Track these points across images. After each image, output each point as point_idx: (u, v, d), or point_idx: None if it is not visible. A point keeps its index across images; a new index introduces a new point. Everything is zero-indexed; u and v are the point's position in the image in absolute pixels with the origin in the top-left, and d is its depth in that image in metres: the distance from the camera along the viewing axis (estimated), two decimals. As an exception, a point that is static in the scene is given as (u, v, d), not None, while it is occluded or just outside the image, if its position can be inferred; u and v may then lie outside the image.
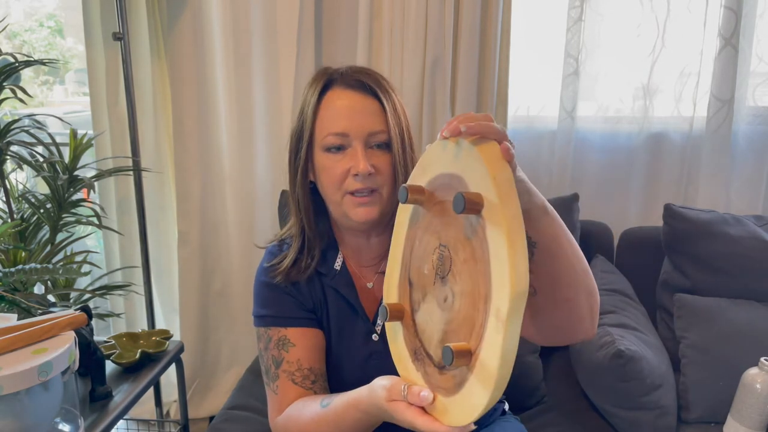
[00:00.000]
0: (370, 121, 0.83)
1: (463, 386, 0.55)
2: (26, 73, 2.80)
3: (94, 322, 1.10)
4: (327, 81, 0.86)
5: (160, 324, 1.85)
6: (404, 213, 0.71)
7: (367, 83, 0.84)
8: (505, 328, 0.49)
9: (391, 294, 0.72)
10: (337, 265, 0.92)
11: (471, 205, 0.52)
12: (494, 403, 0.53)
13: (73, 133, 1.39)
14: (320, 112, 0.84)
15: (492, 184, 0.52)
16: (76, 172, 1.38)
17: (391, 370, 0.70)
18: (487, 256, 0.52)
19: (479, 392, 0.53)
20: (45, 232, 1.40)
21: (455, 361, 0.53)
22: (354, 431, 0.74)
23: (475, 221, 0.54)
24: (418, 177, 0.66)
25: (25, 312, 1.09)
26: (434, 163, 0.63)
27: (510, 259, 0.49)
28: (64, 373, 0.81)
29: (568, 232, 0.68)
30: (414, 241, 0.68)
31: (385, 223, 0.89)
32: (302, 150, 0.86)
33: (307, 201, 0.89)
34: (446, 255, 0.60)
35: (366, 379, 0.72)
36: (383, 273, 0.75)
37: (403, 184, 0.64)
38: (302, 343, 0.88)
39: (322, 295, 0.92)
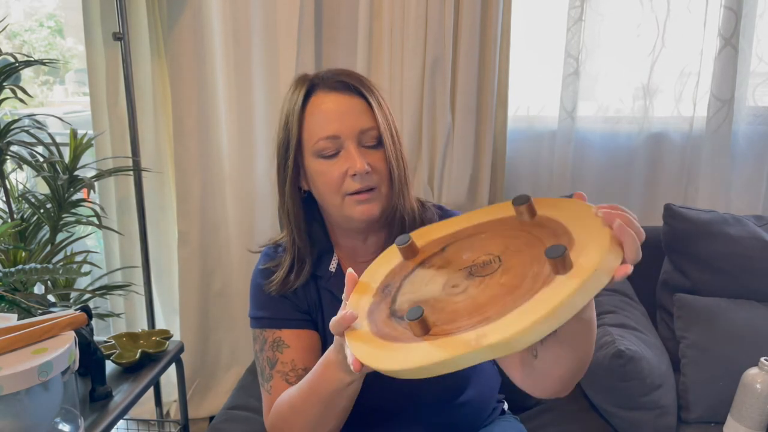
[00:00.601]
0: (359, 119, 0.82)
1: (393, 342, 0.56)
2: (26, 73, 2.80)
3: (94, 322, 1.09)
4: (309, 86, 0.85)
5: (160, 324, 1.85)
6: (503, 211, 0.68)
7: (350, 83, 0.84)
8: (472, 350, 0.49)
9: (425, 238, 0.71)
10: (332, 267, 0.92)
11: (561, 266, 0.51)
12: (390, 371, 0.54)
13: (73, 133, 1.39)
14: (306, 118, 0.84)
15: (589, 270, 0.50)
16: (76, 172, 1.38)
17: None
18: (523, 301, 0.51)
19: (395, 360, 0.54)
20: (45, 232, 1.40)
21: (414, 323, 0.54)
22: (328, 394, 0.74)
23: (544, 272, 0.53)
24: (544, 206, 0.63)
25: (25, 312, 1.09)
26: (565, 211, 0.60)
27: (535, 324, 0.48)
28: (64, 373, 0.81)
29: (593, 331, 0.67)
30: (482, 234, 0.66)
31: (382, 222, 0.89)
32: (290, 159, 0.85)
33: (297, 210, 0.89)
34: (493, 266, 0.59)
35: (360, 380, 0.73)
36: None
37: (529, 195, 0.62)
38: (297, 345, 0.88)
39: (317, 297, 0.92)
